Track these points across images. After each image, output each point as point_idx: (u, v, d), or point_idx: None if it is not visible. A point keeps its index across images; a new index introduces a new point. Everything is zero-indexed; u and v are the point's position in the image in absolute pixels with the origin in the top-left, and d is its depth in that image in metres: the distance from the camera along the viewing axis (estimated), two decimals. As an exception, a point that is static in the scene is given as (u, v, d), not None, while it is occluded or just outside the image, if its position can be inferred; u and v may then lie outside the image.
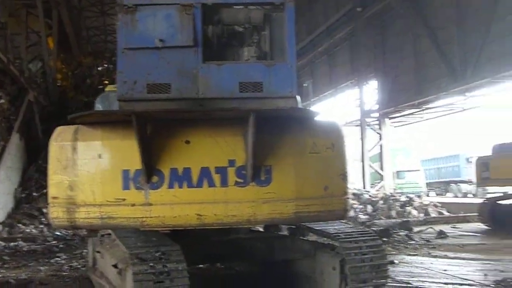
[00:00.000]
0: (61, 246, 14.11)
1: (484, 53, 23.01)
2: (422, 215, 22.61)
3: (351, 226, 8.69)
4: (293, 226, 8.70)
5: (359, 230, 8.03)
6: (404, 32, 28.20)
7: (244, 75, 6.24)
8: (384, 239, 14.10)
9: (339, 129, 6.93)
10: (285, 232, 9.40)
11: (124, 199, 6.15)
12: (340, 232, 7.62)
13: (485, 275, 9.76)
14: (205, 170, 6.21)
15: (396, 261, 11.30)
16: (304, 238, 8.75)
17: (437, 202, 26.05)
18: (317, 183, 6.54)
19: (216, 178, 6.22)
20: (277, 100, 6.31)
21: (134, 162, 6.11)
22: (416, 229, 16.92)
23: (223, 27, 6.58)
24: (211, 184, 6.21)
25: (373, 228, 15.43)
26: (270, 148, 6.31)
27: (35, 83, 23.67)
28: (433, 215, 22.74)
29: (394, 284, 8.92)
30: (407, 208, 23.62)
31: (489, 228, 17.74)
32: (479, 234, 16.92)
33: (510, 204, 18.24)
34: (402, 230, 16.01)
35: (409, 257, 12.22)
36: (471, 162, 37.56)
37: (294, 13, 6.28)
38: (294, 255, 8.21)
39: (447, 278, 9.62)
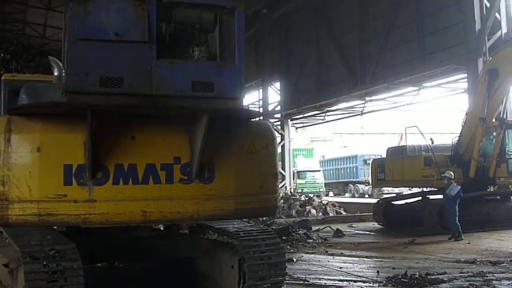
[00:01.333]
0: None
1: (383, 60, 24.06)
2: (321, 214, 23.22)
3: (251, 225, 8.79)
4: (193, 225, 8.71)
5: (258, 229, 8.15)
6: (308, 36, 28.87)
7: (196, 75, 6.14)
8: (284, 237, 14.37)
9: (272, 130, 7.22)
10: (186, 231, 9.38)
11: (65, 195, 5.90)
12: (240, 230, 7.71)
13: (378, 272, 10.16)
14: (150, 166, 6.14)
15: (294, 259, 11.56)
16: (205, 237, 8.78)
17: (335, 202, 26.83)
18: (254, 181, 6.74)
19: (162, 175, 6.17)
20: (226, 100, 6.27)
21: (77, 157, 5.90)
22: (314, 227, 17.33)
23: (176, 26, 6.47)
24: (157, 181, 6.15)
25: (273, 227, 15.68)
26: (213, 147, 6.32)
27: None
28: (331, 214, 23.41)
29: (292, 282, 9.11)
30: (306, 207, 24.18)
31: (383, 227, 18.49)
32: (373, 233, 17.63)
33: (402, 204, 19.09)
34: (301, 229, 16.34)
35: (307, 255, 12.53)
36: (368, 163, 38.99)
37: (244, 18, 6.30)
38: (194, 253, 8.21)
39: (342, 275, 9.95)
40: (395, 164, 19.26)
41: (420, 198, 18.58)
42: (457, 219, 14.78)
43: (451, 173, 15.52)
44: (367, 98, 29.62)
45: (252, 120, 7.09)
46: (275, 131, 7.27)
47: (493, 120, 17.21)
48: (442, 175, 15.80)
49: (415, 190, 20.61)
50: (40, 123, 6.02)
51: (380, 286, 8.87)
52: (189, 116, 6.21)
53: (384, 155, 22.34)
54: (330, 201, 26.44)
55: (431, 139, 18.63)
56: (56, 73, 7.02)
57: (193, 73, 6.15)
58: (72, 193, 5.92)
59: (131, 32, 5.87)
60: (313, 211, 23.84)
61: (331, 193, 43.38)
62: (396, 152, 20.72)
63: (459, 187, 15.06)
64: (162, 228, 9.55)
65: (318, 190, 36.02)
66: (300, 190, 33.67)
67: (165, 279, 9.13)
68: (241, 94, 6.46)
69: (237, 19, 6.35)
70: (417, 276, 9.25)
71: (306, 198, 26.37)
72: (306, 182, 38.85)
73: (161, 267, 9.52)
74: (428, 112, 51.30)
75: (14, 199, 5.91)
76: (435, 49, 21.61)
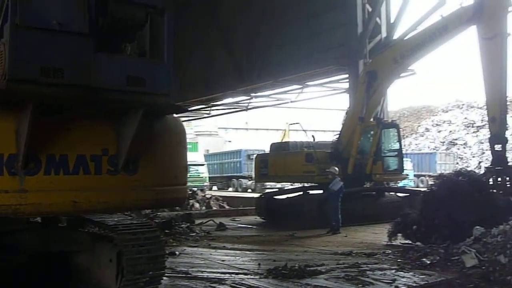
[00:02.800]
0: None
1: (269, 56, 24.50)
2: (204, 208, 23.28)
3: (131, 218, 8.67)
4: (71, 218, 8.45)
5: (138, 222, 8.07)
6: (195, 28, 28.61)
7: (130, 70, 6.14)
8: (166, 231, 14.29)
9: (183, 125, 7.43)
10: (63, 224, 9.08)
11: None
12: (119, 224, 7.61)
13: (259, 264, 10.36)
14: (81, 157, 6.11)
15: (177, 253, 11.51)
16: (82, 230, 8.54)
17: (219, 196, 26.97)
18: (171, 173, 6.95)
19: (91, 166, 6.18)
20: (157, 96, 6.34)
21: (9, 146, 5.68)
22: (197, 221, 17.34)
23: (111, 21, 6.33)
24: (87, 172, 6.15)
25: (156, 221, 15.53)
26: (137, 140, 6.34)
27: None
28: (214, 208, 23.53)
29: (174, 275, 9.09)
30: (190, 201, 24.11)
31: (265, 221, 18.83)
32: (255, 227, 17.90)
33: (284, 198, 19.55)
34: (184, 223, 16.31)
35: (190, 248, 12.51)
36: (252, 158, 39.54)
37: (173, 18, 6.42)
38: (72, 247, 7.98)
39: (224, 268, 10.04)
40: (278, 160, 19.70)
41: (301, 193, 19.09)
42: (339, 213, 15.28)
43: (336, 168, 15.98)
44: (253, 94, 30.12)
45: (168, 116, 7.20)
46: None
47: (371, 120, 18.03)
48: (327, 170, 16.21)
49: (297, 185, 21.16)
50: None
51: (261, 278, 9.03)
52: (119, 109, 6.24)
53: (267, 151, 22.81)
54: (214, 195, 26.55)
55: (312, 136, 19.25)
56: None
57: (128, 68, 6.18)
58: (3, 183, 5.71)
59: (73, 23, 5.73)
60: (197, 205, 23.85)
61: (214, 187, 43.59)
62: (279, 148, 21.23)
63: (342, 182, 15.58)
64: (39, 221, 9.20)
65: (202, 184, 36.02)
66: (184, 184, 33.48)
67: (41, 274, 8.78)
68: (170, 90, 6.58)
69: (166, 19, 6.45)
70: (297, 267, 9.53)
71: (190, 192, 26.31)
72: (190, 175, 38.70)
73: (36, 262, 9.15)
74: (311, 110, 52.94)
75: None
76: (319, 49, 22.33)
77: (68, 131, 6.10)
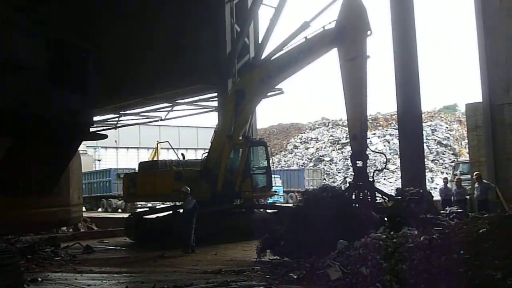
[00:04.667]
0: None
1: (140, 74, 24.18)
2: (71, 230, 22.33)
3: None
4: None
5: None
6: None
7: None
8: (29, 256, 13.56)
9: None
10: None
11: None
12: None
13: (127, 287, 10.05)
14: None
15: (39, 279, 10.90)
16: None
17: (87, 217, 26.01)
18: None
19: None
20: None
21: None
22: (63, 244, 16.63)
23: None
24: None
25: (17, 245, 14.70)
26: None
27: None
28: (82, 230, 22.63)
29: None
30: (55, 223, 23.05)
31: (134, 241, 18.39)
32: (124, 248, 17.42)
33: (153, 218, 19.20)
34: (49, 247, 15.56)
35: (54, 274, 11.92)
36: (122, 177, 38.65)
37: None
38: None
39: (91, 293, 9.66)
40: (147, 179, 19.38)
41: (170, 212, 18.86)
42: (192, 232, 15.16)
43: (188, 188, 15.82)
44: (122, 112, 29.57)
45: None
46: None
47: (240, 138, 18.25)
48: (179, 189, 15.98)
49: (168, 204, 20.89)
50: None
51: (128, 302, 8.80)
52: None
53: (132, 171, 22.41)
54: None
55: (182, 154, 19.17)
56: None
57: (69, 100, 6.42)
58: None
59: (38, 60, 5.88)
60: (63, 228, 22.82)
61: (83, 208, 42.05)
62: (149, 167, 20.91)
63: (194, 201, 15.48)
64: None
65: (69, 205, 34.57)
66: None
67: None
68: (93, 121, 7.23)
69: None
70: (165, 288, 9.39)
71: (55, 214, 25.17)
72: (55, 197, 37.19)
73: None
74: (182, 128, 52.93)
75: None
76: (188, 67, 22.38)
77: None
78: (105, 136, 7.46)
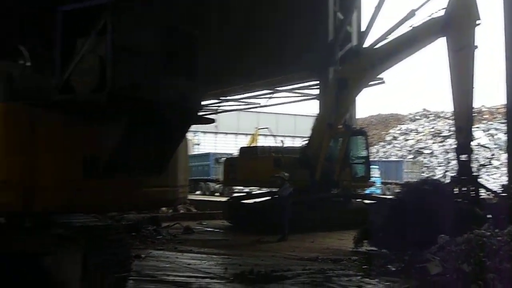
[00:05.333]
0: None
1: (240, 60, 24.45)
2: (171, 211, 23.06)
3: (97, 220, 8.59)
4: (38, 219, 8.33)
5: (104, 224, 8.01)
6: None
7: (184, 88, 6.52)
8: (133, 233, 14.15)
9: None
10: (27, 224, 8.92)
11: None
12: (84, 225, 7.54)
13: (226, 268, 10.32)
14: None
15: (143, 256, 11.39)
16: (47, 231, 8.40)
17: (186, 199, 26.70)
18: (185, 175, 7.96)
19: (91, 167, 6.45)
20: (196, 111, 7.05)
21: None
22: (164, 224, 17.22)
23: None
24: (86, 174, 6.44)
25: (122, 223, 15.36)
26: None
27: None
28: (181, 211, 23.32)
29: (140, 278, 8.99)
30: (157, 203, 23.86)
31: (232, 225, 18.76)
32: (222, 231, 17.84)
33: (251, 203, 19.49)
34: (151, 226, 16.17)
35: (156, 251, 12.40)
36: (220, 162, 39.37)
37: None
38: (36, 248, 7.85)
39: (190, 272, 10.00)
40: (246, 164, 19.67)
41: (269, 197, 19.06)
42: (287, 219, 15.14)
43: (285, 174, 15.86)
44: (222, 98, 30.09)
45: None
46: None
47: (340, 126, 18.15)
48: (276, 175, 16.02)
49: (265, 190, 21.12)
50: (63, 115, 6.03)
51: (227, 283, 9.02)
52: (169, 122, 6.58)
53: (236, 155, 22.78)
54: (181, 198, 26.25)
55: (281, 141, 19.32)
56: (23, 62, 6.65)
57: (183, 86, 6.51)
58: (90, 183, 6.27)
59: (153, 46, 6.05)
60: (164, 208, 23.59)
61: (185, 190, 43.17)
62: (249, 152, 21.21)
63: (291, 188, 15.53)
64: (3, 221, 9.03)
65: (169, 187, 35.60)
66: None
67: (4, 275, 8.61)
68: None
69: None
70: (263, 272, 9.54)
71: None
72: (157, 178, 38.40)
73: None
74: (281, 115, 53.22)
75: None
76: (290, 55, 22.39)
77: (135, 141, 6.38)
78: (213, 121, 7.67)
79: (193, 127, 7.50)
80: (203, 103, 30.20)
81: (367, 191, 25.08)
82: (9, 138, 5.69)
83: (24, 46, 6.84)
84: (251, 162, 19.53)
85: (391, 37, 17.07)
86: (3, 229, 8.16)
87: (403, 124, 61.95)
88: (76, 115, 6.04)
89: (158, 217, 18.18)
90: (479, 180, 13.93)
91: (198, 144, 58.12)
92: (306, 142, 18.61)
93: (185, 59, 6.62)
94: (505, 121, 16.20)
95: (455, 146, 14.18)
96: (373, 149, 47.46)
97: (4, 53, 7.54)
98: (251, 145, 33.04)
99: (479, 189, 13.51)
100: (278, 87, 26.79)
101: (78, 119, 6.07)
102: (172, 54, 6.32)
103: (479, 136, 48.66)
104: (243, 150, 21.97)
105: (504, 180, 19.61)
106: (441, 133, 54.96)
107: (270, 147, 20.25)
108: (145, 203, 7.39)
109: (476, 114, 48.70)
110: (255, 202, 19.45)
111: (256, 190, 24.75)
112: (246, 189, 31.12)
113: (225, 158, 24.25)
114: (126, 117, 5.90)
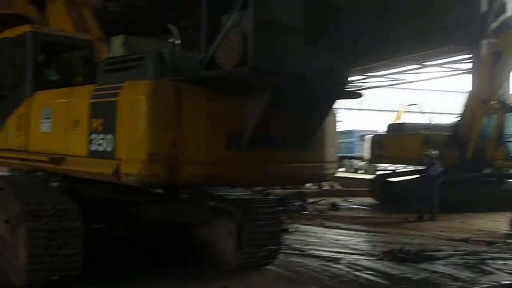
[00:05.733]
0: None
1: (385, 36, 23.88)
2: (315, 187, 23.26)
3: (250, 193, 8.87)
4: (193, 190, 8.76)
5: (256, 198, 8.27)
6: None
7: (328, 61, 6.50)
8: (280, 208, 14.46)
9: None
10: (184, 196, 9.41)
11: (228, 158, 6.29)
12: (238, 198, 7.83)
13: (374, 246, 10.28)
14: (284, 137, 6.75)
15: (291, 230, 11.64)
16: (203, 203, 8.82)
17: (331, 175, 26.74)
18: (333, 151, 7.63)
19: (288, 144, 6.83)
20: (341, 85, 6.86)
21: (237, 124, 6.26)
22: (310, 200, 17.43)
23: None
24: (289, 149, 6.86)
25: (269, 197, 15.76)
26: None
27: None
28: (325, 187, 23.43)
29: (289, 252, 9.22)
30: (302, 179, 24.12)
31: (378, 202, 18.58)
32: (369, 208, 17.74)
33: (398, 181, 19.13)
34: (297, 201, 16.44)
35: (304, 226, 12.61)
36: (364, 139, 38.88)
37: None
38: (192, 219, 8.28)
39: (339, 247, 10.04)
40: (394, 141, 19.31)
41: (417, 176, 18.58)
42: (435, 199, 14.67)
43: (433, 152, 15.27)
44: (367, 74, 29.63)
45: None
46: None
47: (494, 102, 17.24)
48: (423, 153, 15.54)
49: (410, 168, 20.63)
50: (207, 91, 6.19)
51: (376, 260, 8.96)
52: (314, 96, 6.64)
53: (380, 132, 22.40)
54: (325, 175, 26.33)
55: (429, 118, 18.68)
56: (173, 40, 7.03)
57: (327, 60, 6.44)
58: (233, 156, 6.31)
59: (293, 19, 6.00)
60: (308, 184, 23.84)
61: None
62: (396, 129, 20.74)
63: (441, 167, 14.95)
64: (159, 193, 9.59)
65: (313, 164, 35.78)
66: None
67: (161, 244, 9.19)
68: (348, 81, 7.06)
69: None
70: (413, 251, 9.41)
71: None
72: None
73: (157, 232, 9.57)
74: (427, 92, 51.36)
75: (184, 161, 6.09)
76: (439, 28, 21.47)
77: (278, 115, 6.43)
78: (360, 95, 7.54)
79: (338, 104, 7.43)
80: (349, 79, 30.20)
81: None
82: (158, 114, 5.85)
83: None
84: (399, 139, 19.13)
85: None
86: (164, 201, 8.71)
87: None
88: (221, 90, 6.16)
89: (303, 192, 18.44)
90: None
91: (341, 121, 57.74)
92: (458, 119, 17.87)
93: (331, 32, 6.58)
94: None
95: None
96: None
97: (156, 32, 7.92)
98: (398, 122, 32.19)
99: None
100: (426, 61, 25.88)
101: (222, 94, 6.18)
102: (316, 27, 6.31)
103: None
104: (391, 127, 21.53)
105: None
106: None
107: (419, 124, 19.67)
108: (292, 178, 7.45)
109: None
110: (403, 180, 19.04)
111: (401, 168, 24.28)
112: (391, 167, 30.61)
113: (372, 135, 23.86)
114: (269, 91, 5.93)
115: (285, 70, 5.81)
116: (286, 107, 6.27)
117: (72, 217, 6.11)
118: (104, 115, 6.25)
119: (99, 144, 6.23)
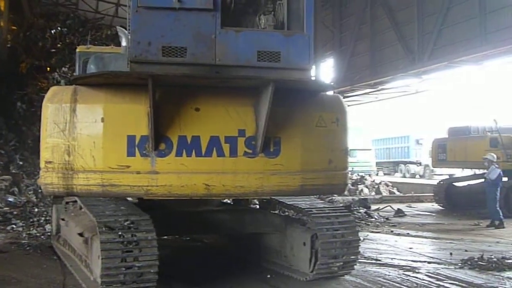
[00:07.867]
0: (15, 213, 13.34)
1: (442, 37, 23.29)
2: (374, 193, 22.88)
3: (322, 201, 8.64)
4: (264, 200, 8.59)
5: (330, 206, 8.01)
6: (362, 11, 28.07)
7: (262, 44, 5.99)
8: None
9: (343, 103, 7.01)
10: (256, 206, 9.26)
11: (128, 166, 5.95)
12: (312, 207, 7.58)
13: (450, 253, 9.88)
14: (214, 139, 6.10)
15: (361, 238, 11.30)
16: (275, 212, 8.64)
17: (388, 181, 26.36)
18: (322, 157, 6.57)
19: (226, 147, 6.12)
20: (293, 71, 6.11)
21: (141, 127, 5.91)
22: (373, 207, 17.06)
23: None
24: (220, 154, 6.10)
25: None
26: (279, 120, 6.22)
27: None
28: (384, 194, 23.02)
29: (364, 261, 8.94)
30: (358, 186, 23.88)
31: (444, 208, 18.05)
32: (434, 214, 17.23)
33: (464, 186, 18.60)
34: (361, 208, 16.12)
35: (373, 234, 12.32)
36: (420, 143, 38.14)
37: None
38: (265, 229, 8.11)
39: (414, 256, 9.74)
40: (457, 145, 18.77)
41: (482, 180, 17.97)
42: (497, 205, 14.07)
43: (494, 155, 14.76)
44: (424, 77, 28.97)
45: (322, 92, 6.94)
46: (346, 105, 7.09)
47: None
48: (483, 157, 14.97)
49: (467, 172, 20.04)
50: (104, 94, 6.02)
51: (457, 269, 8.60)
52: (254, 87, 6.13)
53: (436, 136, 21.87)
54: (383, 181, 26.00)
55: (494, 120, 18.04)
56: (123, 44, 6.98)
57: (259, 42, 6.01)
58: (135, 164, 5.95)
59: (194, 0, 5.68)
60: (366, 190, 23.54)
61: (381, 173, 42.70)
62: (460, 132, 20.12)
63: (500, 170, 14.40)
64: (231, 203, 9.48)
65: (369, 169, 35.37)
66: (351, 169, 33.14)
67: (235, 253, 9.08)
68: (310, 65, 6.30)
69: None
70: (494, 259, 8.99)
71: (358, 177, 26.04)
72: (357, 160, 38.20)
73: (230, 242, 9.47)
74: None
75: (78, 169, 5.95)
76: (498, 27, 20.76)
77: (200, 111, 6.07)
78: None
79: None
80: (401, 83, 29.60)
81: None
82: (53, 120, 6.14)
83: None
84: (463, 143, 18.56)
85: None
86: (232, 210, 8.57)
87: None
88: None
89: (367, 199, 18.12)
90: None
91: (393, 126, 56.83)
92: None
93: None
94: None
95: None
96: None
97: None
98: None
99: None
100: (485, 62, 25.12)
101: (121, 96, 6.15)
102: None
103: None
104: (452, 130, 20.92)
105: None
106: None
107: (483, 126, 19.03)
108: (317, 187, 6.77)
109: None
110: (468, 184, 18.47)
111: (460, 173, 23.60)
112: (450, 172, 29.85)
113: (434, 139, 23.24)
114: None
115: (183, 60, 5.67)
116: (209, 101, 6.15)
117: (146, 229, 6.02)
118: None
119: None
